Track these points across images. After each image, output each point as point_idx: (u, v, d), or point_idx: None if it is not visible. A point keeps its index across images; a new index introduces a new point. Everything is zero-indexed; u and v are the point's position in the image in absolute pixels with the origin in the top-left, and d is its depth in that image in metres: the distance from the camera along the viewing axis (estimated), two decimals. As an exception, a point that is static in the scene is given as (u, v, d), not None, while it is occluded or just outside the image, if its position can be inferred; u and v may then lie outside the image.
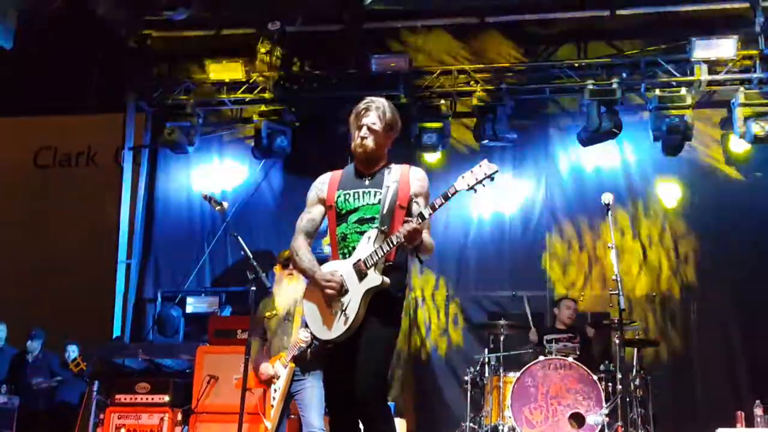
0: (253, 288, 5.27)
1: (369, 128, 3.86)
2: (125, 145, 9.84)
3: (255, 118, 9.03)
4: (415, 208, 3.74)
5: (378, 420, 3.63)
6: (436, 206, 3.62)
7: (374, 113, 3.89)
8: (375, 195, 3.80)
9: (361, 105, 3.93)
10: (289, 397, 5.63)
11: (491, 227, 9.07)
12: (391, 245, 3.64)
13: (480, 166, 3.62)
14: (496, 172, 3.61)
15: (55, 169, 10.83)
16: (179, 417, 7.17)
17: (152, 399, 7.22)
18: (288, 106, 9.03)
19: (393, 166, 3.91)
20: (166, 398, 7.23)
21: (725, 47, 8.20)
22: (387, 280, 3.67)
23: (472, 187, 3.61)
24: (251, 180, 9.52)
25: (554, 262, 8.89)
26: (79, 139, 10.74)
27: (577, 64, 8.85)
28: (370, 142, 3.85)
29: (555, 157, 9.15)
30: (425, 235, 3.72)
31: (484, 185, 3.61)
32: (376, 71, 8.69)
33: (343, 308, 3.67)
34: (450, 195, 3.62)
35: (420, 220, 3.59)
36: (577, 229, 8.89)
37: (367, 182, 3.86)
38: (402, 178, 3.83)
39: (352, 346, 3.66)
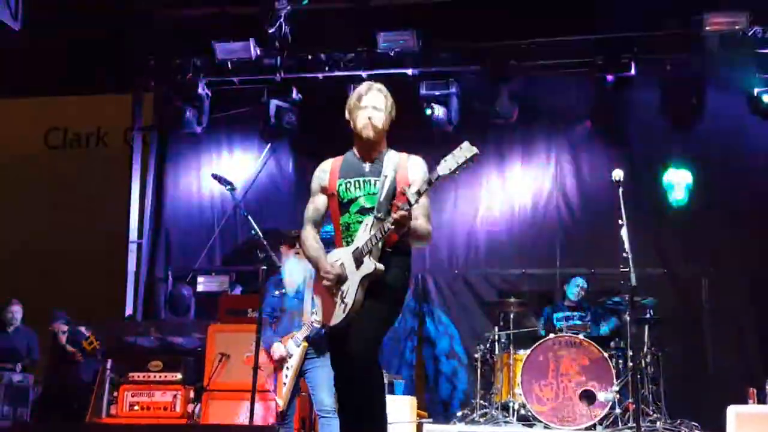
0: (264, 267, 5.29)
1: (375, 107, 3.84)
2: (135, 126, 9.84)
3: (263, 96, 9.00)
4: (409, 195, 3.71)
5: (368, 378, 3.64)
6: (422, 192, 3.59)
7: (377, 93, 3.87)
8: (375, 184, 3.78)
9: (361, 88, 3.90)
10: (300, 375, 5.66)
11: (501, 203, 9.04)
12: (384, 232, 3.64)
13: (461, 148, 3.56)
14: (477, 154, 3.55)
15: (66, 150, 10.87)
16: (191, 394, 7.23)
17: (165, 377, 7.28)
18: (295, 85, 8.99)
19: (392, 152, 3.89)
20: (179, 376, 7.28)
21: None
22: (381, 266, 3.66)
23: (453, 172, 3.56)
24: (260, 159, 9.51)
25: (565, 238, 8.86)
26: (89, 119, 10.79)
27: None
28: (378, 122, 3.82)
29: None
30: (420, 222, 3.72)
31: (465, 167, 3.56)
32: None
33: (343, 296, 3.71)
34: (434, 181, 3.58)
35: (408, 207, 3.57)
36: (587, 205, 8.85)
37: (367, 169, 3.84)
38: (401, 165, 3.81)
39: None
